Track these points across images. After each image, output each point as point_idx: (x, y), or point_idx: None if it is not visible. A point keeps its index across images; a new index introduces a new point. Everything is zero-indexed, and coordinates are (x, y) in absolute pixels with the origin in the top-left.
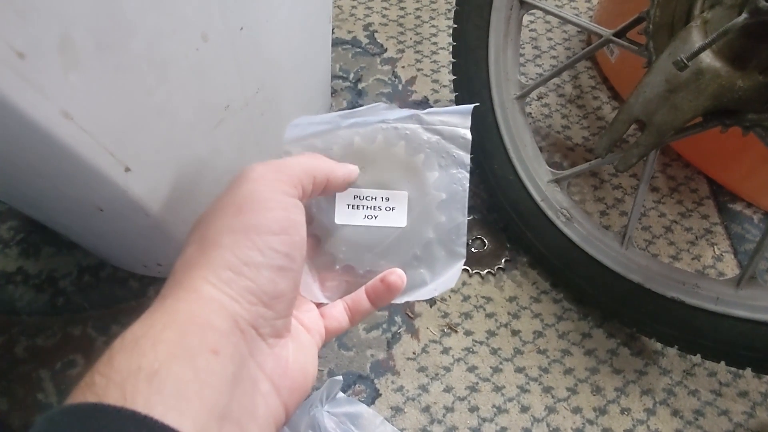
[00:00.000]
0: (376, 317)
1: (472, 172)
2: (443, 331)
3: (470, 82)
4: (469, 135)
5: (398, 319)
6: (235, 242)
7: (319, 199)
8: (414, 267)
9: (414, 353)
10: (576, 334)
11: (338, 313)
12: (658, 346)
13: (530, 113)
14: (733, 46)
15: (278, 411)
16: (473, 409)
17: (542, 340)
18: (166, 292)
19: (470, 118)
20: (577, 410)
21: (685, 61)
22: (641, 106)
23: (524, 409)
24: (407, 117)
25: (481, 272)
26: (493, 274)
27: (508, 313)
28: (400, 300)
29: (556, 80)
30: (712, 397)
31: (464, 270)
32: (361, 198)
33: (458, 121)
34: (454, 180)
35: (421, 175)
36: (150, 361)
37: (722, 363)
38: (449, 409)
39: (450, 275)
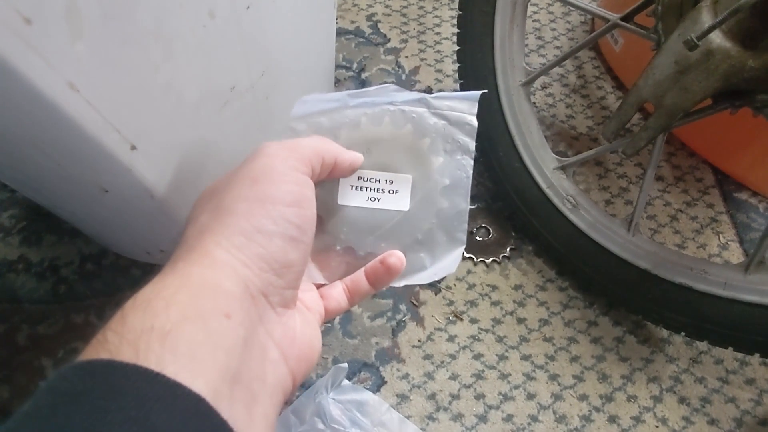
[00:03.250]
0: (380, 305)
1: (476, 160)
2: (448, 319)
3: (475, 69)
4: (475, 122)
5: (403, 307)
6: (249, 210)
7: (322, 180)
8: (415, 251)
9: (419, 341)
10: (582, 322)
11: (337, 293)
12: (665, 333)
13: (534, 103)
14: (744, 26)
15: (286, 379)
16: (479, 397)
17: (548, 328)
18: (178, 255)
19: (477, 104)
20: (583, 397)
21: (696, 41)
22: (650, 88)
23: (530, 397)
24: (415, 100)
25: (486, 261)
26: (498, 263)
27: (514, 301)
28: (399, 283)
29: (560, 70)
30: (719, 384)
31: (469, 258)
32: (365, 179)
33: (465, 107)
34: (458, 166)
35: (426, 160)
36: (162, 322)
37: (729, 349)
38: (455, 397)
39: (450, 260)
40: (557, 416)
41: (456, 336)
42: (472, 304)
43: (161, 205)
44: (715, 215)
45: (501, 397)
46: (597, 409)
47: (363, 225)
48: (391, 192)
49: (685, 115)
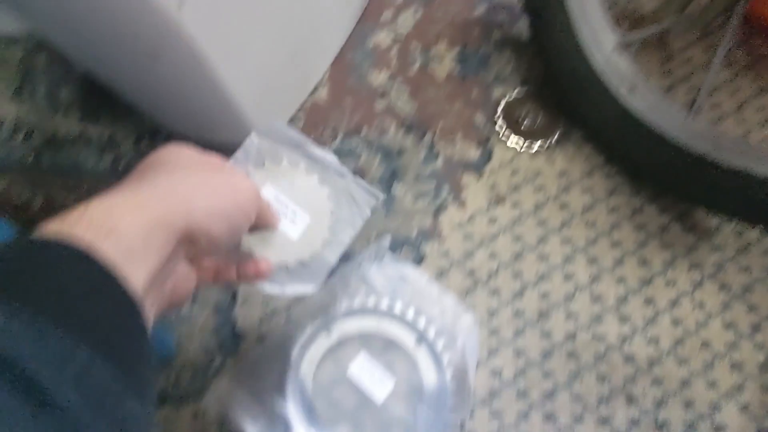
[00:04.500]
0: (423, 187)
1: (528, 42)
2: (491, 202)
3: None
4: (378, 195)
5: (446, 189)
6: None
7: None
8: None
9: (460, 222)
10: (627, 209)
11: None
12: (712, 223)
13: None
14: None
15: (163, 302)
16: (517, 275)
17: (591, 213)
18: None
19: (376, 201)
20: (621, 280)
21: None
22: None
23: (568, 277)
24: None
25: (532, 146)
26: (545, 149)
27: (558, 187)
28: (272, 289)
29: None
30: (765, 274)
31: (515, 144)
32: (280, 202)
33: (369, 194)
34: (350, 214)
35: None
36: (114, 222)
37: None
38: (493, 274)
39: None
40: (593, 296)
41: (497, 218)
42: (516, 188)
43: (210, 72)
44: None
45: (538, 276)
46: (634, 292)
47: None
48: (292, 219)
49: None
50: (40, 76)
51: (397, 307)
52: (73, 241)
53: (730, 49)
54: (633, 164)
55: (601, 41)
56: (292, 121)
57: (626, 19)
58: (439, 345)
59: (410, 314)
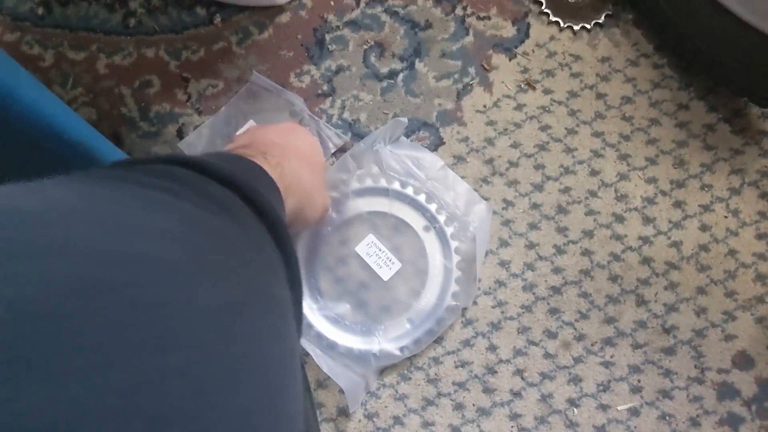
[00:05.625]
0: (448, 66)
1: None
2: (520, 87)
3: None
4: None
5: (472, 70)
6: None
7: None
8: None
9: (484, 106)
10: (671, 104)
11: None
12: (766, 125)
13: None
14: None
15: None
16: (539, 167)
17: (630, 106)
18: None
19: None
20: (651, 180)
21: None
22: None
23: (594, 173)
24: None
25: (574, 26)
26: (588, 30)
27: (597, 75)
28: None
29: None
30: None
31: (554, 22)
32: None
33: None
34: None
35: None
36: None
37: None
38: (513, 164)
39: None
40: (618, 195)
41: (525, 105)
42: (549, 73)
43: None
44: None
45: (562, 169)
46: (663, 193)
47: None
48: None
49: None
50: None
51: (409, 190)
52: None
53: None
54: (690, 51)
55: None
56: None
57: None
58: (449, 231)
59: (422, 198)
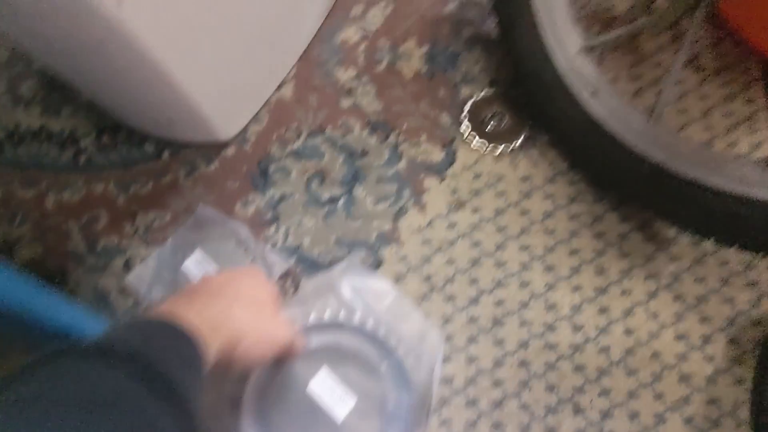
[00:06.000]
0: (384, 190)
1: (496, 40)
2: (451, 207)
3: None
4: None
5: (407, 192)
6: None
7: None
8: None
9: (419, 226)
10: (587, 216)
11: None
12: (671, 233)
13: None
14: None
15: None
16: (473, 282)
17: (551, 220)
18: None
19: None
20: (577, 288)
21: None
22: None
23: (524, 285)
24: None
25: (496, 149)
26: (509, 152)
27: (520, 192)
28: None
29: None
30: (719, 285)
31: (478, 147)
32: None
33: None
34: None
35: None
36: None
37: (734, 249)
38: (450, 280)
39: None
40: (548, 304)
41: (457, 223)
42: (477, 193)
43: (158, 66)
44: (753, 112)
45: (494, 283)
46: (589, 301)
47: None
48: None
49: None
50: (1, 71)
51: (369, 323)
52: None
53: (696, 55)
54: (595, 171)
55: (565, 44)
56: (255, 118)
57: (598, 21)
58: (406, 363)
59: (381, 331)
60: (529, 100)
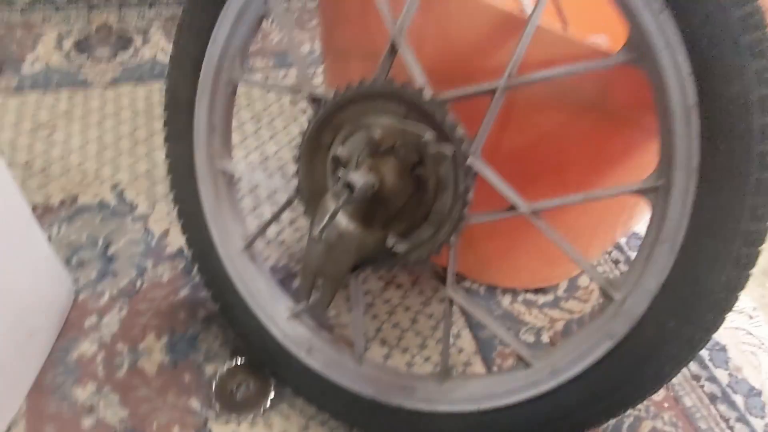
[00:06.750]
0: None
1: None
2: None
3: (197, 241)
4: None
5: None
6: None
7: None
8: None
9: None
10: None
11: None
12: None
13: (283, 240)
14: (360, 210)
15: None
16: None
17: None
18: None
19: None
20: None
21: (320, 235)
22: (314, 264)
23: None
24: None
25: (248, 416)
26: (262, 414)
27: None
28: None
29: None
30: None
31: (233, 419)
32: None
33: None
34: None
35: None
36: None
37: None
38: None
39: None
40: None
41: None
42: None
43: None
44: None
45: None
46: None
47: None
48: None
49: (349, 273)
50: None
51: None
52: None
53: (394, 276)
54: (333, 411)
55: (275, 315)
56: None
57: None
58: None
59: None
60: (262, 363)
